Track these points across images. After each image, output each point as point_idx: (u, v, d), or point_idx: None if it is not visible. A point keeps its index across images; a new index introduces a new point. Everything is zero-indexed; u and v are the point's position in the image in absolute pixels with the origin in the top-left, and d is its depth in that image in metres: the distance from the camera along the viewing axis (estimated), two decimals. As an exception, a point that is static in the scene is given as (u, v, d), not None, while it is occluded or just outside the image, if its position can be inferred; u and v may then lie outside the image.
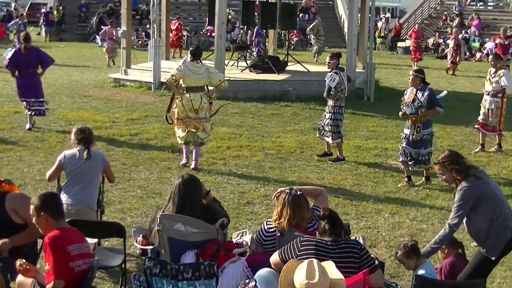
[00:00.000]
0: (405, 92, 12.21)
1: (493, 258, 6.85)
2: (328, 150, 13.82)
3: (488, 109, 14.66)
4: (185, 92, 12.43)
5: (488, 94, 14.67)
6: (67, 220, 6.18)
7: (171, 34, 31.04)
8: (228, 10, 32.70)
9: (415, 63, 32.07)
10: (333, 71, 13.43)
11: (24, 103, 15.34)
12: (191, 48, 13.19)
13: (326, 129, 13.53)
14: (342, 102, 13.56)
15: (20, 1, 55.16)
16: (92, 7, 45.23)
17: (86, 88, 21.88)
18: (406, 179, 12.15)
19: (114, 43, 30.02)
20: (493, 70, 14.65)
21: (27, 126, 15.37)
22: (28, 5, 50.69)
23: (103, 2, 46.54)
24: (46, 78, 23.29)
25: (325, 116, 13.68)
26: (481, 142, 14.90)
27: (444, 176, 7.05)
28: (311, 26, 34.08)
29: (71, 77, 24.64)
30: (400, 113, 12.17)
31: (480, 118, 14.85)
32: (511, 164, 13.72)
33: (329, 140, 13.58)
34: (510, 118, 15.96)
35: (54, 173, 8.28)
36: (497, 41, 29.37)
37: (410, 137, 11.97)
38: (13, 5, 49.46)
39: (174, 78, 12.39)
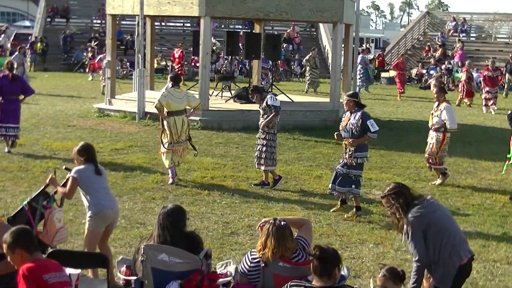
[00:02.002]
0: (343, 116, 12.23)
1: None
2: (266, 179, 13.93)
3: (430, 144, 14.44)
4: (168, 117, 13.64)
5: (431, 129, 14.48)
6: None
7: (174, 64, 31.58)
8: (213, 40, 32.89)
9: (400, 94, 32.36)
10: (270, 94, 13.95)
11: (2, 129, 15.88)
12: (170, 75, 14.84)
13: (262, 156, 13.72)
14: (275, 129, 13.93)
15: (7, 31, 55.33)
16: (77, 37, 45.32)
17: (70, 118, 21.85)
18: (339, 204, 12.13)
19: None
20: (436, 104, 14.46)
21: (6, 149, 16.03)
22: (13, 35, 50.74)
23: (88, 32, 46.75)
24: (31, 108, 23.35)
25: (258, 144, 13.91)
26: (437, 174, 14.67)
27: (391, 209, 6.97)
28: (307, 57, 34.18)
29: (55, 107, 24.60)
30: (335, 134, 12.11)
31: (426, 150, 14.64)
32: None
33: (262, 167, 13.80)
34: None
35: (73, 189, 8.45)
36: (485, 73, 29.16)
37: (344, 160, 11.93)
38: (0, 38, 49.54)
39: (160, 103, 13.59)
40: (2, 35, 48.48)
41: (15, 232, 5.90)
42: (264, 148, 13.68)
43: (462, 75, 31.30)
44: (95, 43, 40.34)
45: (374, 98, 32.39)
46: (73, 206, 11.76)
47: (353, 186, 11.89)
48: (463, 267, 6.84)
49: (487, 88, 28.85)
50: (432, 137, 14.43)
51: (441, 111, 14.17)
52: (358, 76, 35.68)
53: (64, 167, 8.93)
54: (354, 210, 11.94)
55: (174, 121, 13.65)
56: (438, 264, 6.78)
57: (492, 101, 28.53)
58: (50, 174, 8.48)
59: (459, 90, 31.41)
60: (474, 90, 30.91)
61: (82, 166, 8.43)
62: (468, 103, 30.51)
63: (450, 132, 14.37)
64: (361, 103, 12.05)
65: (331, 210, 12.11)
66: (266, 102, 13.66)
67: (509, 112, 14.30)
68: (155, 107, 13.85)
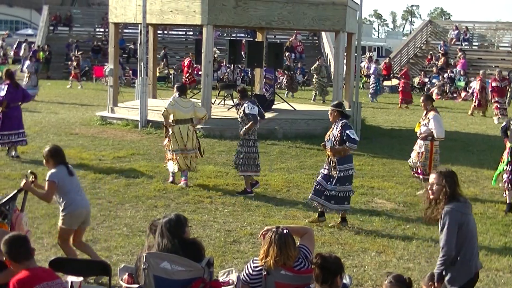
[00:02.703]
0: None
1: None
2: (248, 187, 13.97)
3: (418, 153, 14.23)
4: (174, 124, 14.06)
5: (419, 137, 14.31)
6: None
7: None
8: (214, 49, 32.94)
9: (403, 104, 32.24)
10: (247, 101, 13.88)
11: (5, 137, 16.26)
12: (177, 85, 15.02)
13: (239, 162, 13.84)
14: (255, 135, 13.97)
15: (7, 39, 55.46)
16: (80, 45, 45.41)
17: (73, 126, 21.87)
18: (317, 215, 12.01)
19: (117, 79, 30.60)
20: (424, 112, 14.37)
21: (14, 153, 16.44)
22: (16, 43, 50.85)
23: (91, 40, 46.84)
24: (33, 116, 23.39)
25: (237, 151, 14.05)
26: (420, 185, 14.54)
27: (434, 187, 6.95)
28: (314, 66, 34.16)
29: (58, 115, 24.63)
30: (322, 144, 12.07)
31: (410, 161, 14.54)
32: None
33: (239, 172, 13.96)
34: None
35: (53, 193, 8.70)
36: (494, 84, 28.72)
37: (327, 171, 11.87)
38: (0, 43, 49.63)
39: (167, 111, 14.04)
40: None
41: (5, 242, 5.94)
42: (242, 155, 13.80)
43: (476, 84, 31.02)
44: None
45: (376, 107, 32.38)
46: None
47: (346, 202, 11.83)
48: (474, 277, 6.94)
49: (496, 98, 28.57)
50: (420, 146, 14.22)
51: (429, 120, 14.04)
52: (371, 86, 35.82)
53: (29, 171, 9.02)
54: (340, 220, 11.88)
55: (179, 129, 14.07)
56: (455, 266, 6.82)
57: (500, 111, 28.26)
58: (23, 179, 8.64)
59: (472, 99, 31.23)
60: (487, 100, 30.53)
61: (56, 169, 8.68)
62: (482, 113, 30.20)
63: (438, 141, 14.21)
64: (346, 113, 11.94)
65: (307, 220, 11.97)
66: (244, 111, 13.74)
67: (503, 124, 14.20)
68: (163, 114, 14.18)
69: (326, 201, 11.75)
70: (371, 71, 37.04)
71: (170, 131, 14.15)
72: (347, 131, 11.50)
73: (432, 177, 7.04)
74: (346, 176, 11.77)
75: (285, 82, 36.77)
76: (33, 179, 8.70)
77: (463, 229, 6.81)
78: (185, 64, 36.08)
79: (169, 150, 14.25)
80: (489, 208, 13.46)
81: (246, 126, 13.66)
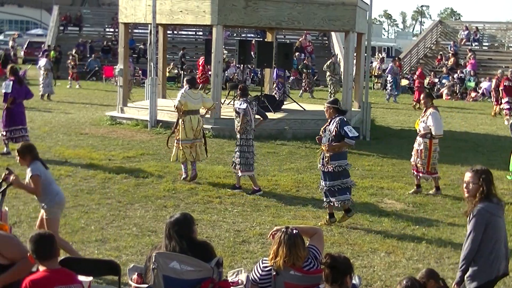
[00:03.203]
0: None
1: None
2: (238, 183, 14.12)
3: (417, 150, 14.27)
4: (185, 115, 14.63)
5: (418, 135, 14.33)
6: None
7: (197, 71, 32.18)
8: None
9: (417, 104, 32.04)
10: (242, 99, 14.13)
11: (7, 133, 16.59)
12: (186, 78, 15.91)
13: (236, 162, 14.02)
14: (249, 134, 14.03)
15: (18, 39, 55.65)
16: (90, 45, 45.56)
17: (82, 126, 21.91)
18: (327, 217, 11.97)
19: (131, 77, 31.62)
20: (424, 109, 14.35)
21: (6, 150, 16.68)
22: (26, 43, 51.02)
23: (100, 40, 46.94)
24: (43, 116, 23.46)
25: (235, 150, 14.25)
26: (416, 183, 14.50)
27: (470, 186, 6.90)
28: (327, 63, 34.06)
29: (68, 115, 24.69)
30: (317, 137, 12.02)
31: (411, 159, 14.55)
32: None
33: (239, 173, 14.00)
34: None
35: (40, 186, 8.97)
36: (506, 83, 28.42)
37: (321, 167, 11.84)
38: (10, 43, 49.80)
39: (181, 103, 14.57)
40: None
41: (32, 239, 5.97)
42: (238, 154, 13.99)
43: (493, 83, 30.73)
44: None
45: (386, 107, 32.33)
46: (85, 214, 11.81)
47: (348, 193, 11.82)
48: (494, 280, 6.94)
49: (507, 98, 28.22)
50: (419, 144, 14.25)
51: (427, 117, 14.05)
52: (388, 86, 35.73)
53: (6, 167, 9.10)
54: (344, 212, 11.92)
55: (190, 119, 14.64)
56: (477, 264, 6.83)
57: (511, 112, 27.94)
58: (11, 175, 8.81)
59: (492, 100, 30.94)
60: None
61: (35, 164, 8.98)
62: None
63: (437, 139, 14.21)
64: (342, 109, 11.89)
65: (319, 223, 11.93)
66: (235, 107, 14.33)
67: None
68: (176, 106, 14.70)
69: (339, 195, 11.74)
70: (387, 70, 36.97)
71: (181, 122, 14.64)
72: (345, 128, 11.46)
73: (468, 176, 6.98)
74: (340, 171, 11.72)
75: (303, 84, 36.71)
76: (13, 176, 8.82)
77: (489, 228, 6.78)
78: (200, 63, 36.11)
79: (177, 140, 14.76)
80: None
81: (238, 123, 13.98)
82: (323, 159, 11.76)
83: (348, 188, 11.83)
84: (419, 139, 14.28)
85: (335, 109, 11.69)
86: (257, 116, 14.20)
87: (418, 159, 14.24)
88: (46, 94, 30.25)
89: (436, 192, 14.34)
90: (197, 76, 34.77)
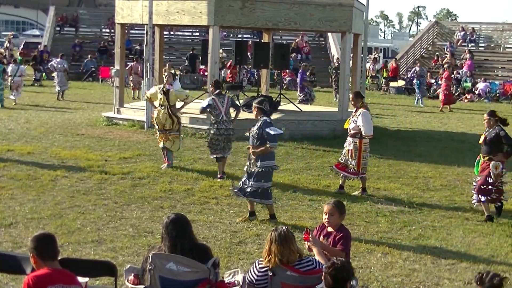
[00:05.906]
0: None
1: None
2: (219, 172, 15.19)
3: (348, 150, 14.17)
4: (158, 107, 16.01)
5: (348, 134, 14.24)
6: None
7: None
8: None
9: (448, 106, 32.02)
10: (213, 95, 15.12)
11: None
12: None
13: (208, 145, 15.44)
14: (220, 124, 15.08)
15: (14, 40, 55.54)
16: (86, 46, 45.52)
17: (79, 127, 21.89)
18: (248, 214, 12.02)
19: (139, 77, 31.50)
20: (355, 109, 14.32)
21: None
22: (22, 44, 50.97)
23: (97, 41, 46.92)
24: (40, 116, 23.42)
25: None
26: (340, 184, 14.44)
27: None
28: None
29: (64, 116, 24.66)
30: (245, 134, 12.13)
31: (340, 158, 14.46)
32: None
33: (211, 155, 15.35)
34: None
35: None
36: None
37: (248, 168, 11.88)
38: (5, 44, 49.69)
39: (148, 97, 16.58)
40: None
41: (35, 238, 5.98)
42: (208, 139, 15.44)
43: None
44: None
45: (383, 108, 32.32)
46: (81, 214, 11.79)
47: (263, 198, 11.81)
48: None
49: None
50: (349, 143, 14.15)
51: (357, 117, 13.98)
52: (416, 89, 35.69)
53: None
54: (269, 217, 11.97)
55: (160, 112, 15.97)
56: None
57: None
58: None
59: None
60: None
61: None
62: None
63: (368, 139, 14.12)
64: (266, 110, 11.81)
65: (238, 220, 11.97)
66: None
67: None
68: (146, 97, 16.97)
69: (252, 197, 11.80)
70: (415, 73, 36.80)
71: (156, 114, 16.06)
72: (267, 129, 11.45)
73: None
74: (265, 172, 11.74)
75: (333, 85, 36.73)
76: None
77: None
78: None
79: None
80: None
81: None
82: (249, 160, 11.92)
83: (265, 194, 11.81)
84: (349, 139, 14.18)
85: (260, 110, 11.73)
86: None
87: (350, 159, 14.13)
88: (61, 92, 30.74)
89: (362, 193, 14.20)
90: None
